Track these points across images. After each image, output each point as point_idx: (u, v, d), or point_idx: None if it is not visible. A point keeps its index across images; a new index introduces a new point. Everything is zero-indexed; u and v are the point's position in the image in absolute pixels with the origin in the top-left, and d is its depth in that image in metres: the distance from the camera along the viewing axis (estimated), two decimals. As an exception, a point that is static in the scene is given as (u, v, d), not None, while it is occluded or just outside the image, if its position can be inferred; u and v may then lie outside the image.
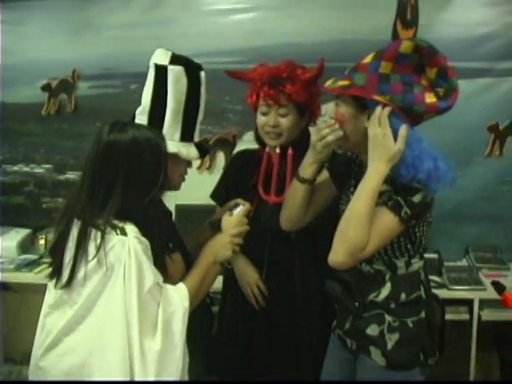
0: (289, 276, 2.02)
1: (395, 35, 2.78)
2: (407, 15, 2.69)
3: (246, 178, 2.07)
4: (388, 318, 1.67)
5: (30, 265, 2.93)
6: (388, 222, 1.54)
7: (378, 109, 1.52)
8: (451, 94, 1.54)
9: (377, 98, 1.53)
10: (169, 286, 1.52)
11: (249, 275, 2.03)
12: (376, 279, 1.69)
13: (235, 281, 2.07)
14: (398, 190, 1.55)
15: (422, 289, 1.69)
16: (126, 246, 1.43)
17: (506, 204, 3.05)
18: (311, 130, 1.86)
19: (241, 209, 1.80)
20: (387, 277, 1.67)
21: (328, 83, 1.64)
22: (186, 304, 1.52)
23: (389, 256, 1.65)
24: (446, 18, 2.89)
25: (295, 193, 1.81)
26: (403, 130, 1.51)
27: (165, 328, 1.46)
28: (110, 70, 3.19)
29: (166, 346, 1.45)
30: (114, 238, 1.43)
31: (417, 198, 1.53)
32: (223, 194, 2.15)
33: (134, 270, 1.42)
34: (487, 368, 2.82)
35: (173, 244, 1.65)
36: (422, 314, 1.67)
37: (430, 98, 1.53)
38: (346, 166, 1.80)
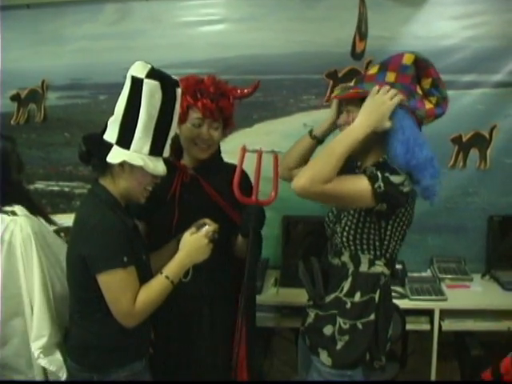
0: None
1: (354, 46, 2.84)
2: (362, 28, 2.74)
3: (163, 190, 1.95)
4: (339, 319, 1.74)
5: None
6: (360, 184, 1.60)
7: (395, 90, 1.61)
8: (442, 102, 1.69)
9: None
10: None
11: None
12: (341, 273, 1.78)
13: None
14: (380, 167, 1.64)
15: (377, 292, 1.74)
16: (18, 223, 1.83)
17: (469, 215, 3.09)
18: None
19: (205, 229, 1.79)
20: (350, 271, 1.76)
21: (336, 92, 1.76)
22: None
23: (356, 247, 1.74)
24: (411, 31, 2.93)
25: (303, 143, 1.93)
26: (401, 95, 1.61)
27: None
28: (79, 81, 3.21)
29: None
30: (8, 220, 1.83)
31: (394, 179, 1.60)
32: (140, 207, 1.94)
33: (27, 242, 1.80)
34: (448, 377, 2.84)
35: (128, 259, 1.63)
36: (372, 317, 1.73)
37: (428, 105, 1.68)
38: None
